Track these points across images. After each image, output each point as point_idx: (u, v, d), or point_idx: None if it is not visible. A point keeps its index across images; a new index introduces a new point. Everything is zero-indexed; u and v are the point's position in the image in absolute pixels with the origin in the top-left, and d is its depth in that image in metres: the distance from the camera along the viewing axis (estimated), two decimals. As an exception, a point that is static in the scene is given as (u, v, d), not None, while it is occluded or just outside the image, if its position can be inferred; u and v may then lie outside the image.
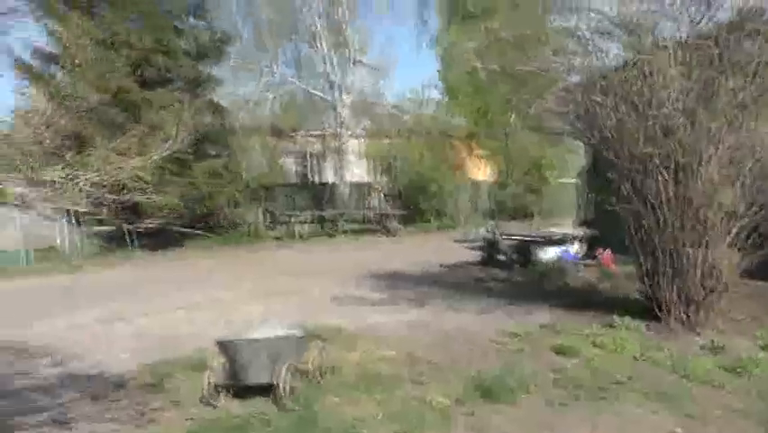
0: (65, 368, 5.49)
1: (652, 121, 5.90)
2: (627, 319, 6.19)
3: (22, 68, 13.79)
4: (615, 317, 6.28)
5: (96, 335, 6.80)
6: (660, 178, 6.06)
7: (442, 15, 23.35)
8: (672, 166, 6.00)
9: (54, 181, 2.61)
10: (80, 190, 2.65)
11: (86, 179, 2.64)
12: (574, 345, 5.43)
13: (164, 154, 3.08)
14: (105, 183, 2.74)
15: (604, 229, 10.84)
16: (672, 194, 6.03)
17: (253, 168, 19.09)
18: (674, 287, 6.16)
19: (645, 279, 6.47)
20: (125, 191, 2.94)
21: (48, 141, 2.80)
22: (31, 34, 16.41)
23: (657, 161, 6.03)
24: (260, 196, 18.63)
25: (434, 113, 23.07)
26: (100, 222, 12.94)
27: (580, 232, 11.83)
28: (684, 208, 5.98)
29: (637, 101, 6.13)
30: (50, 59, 14.20)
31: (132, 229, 13.90)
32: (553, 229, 13.30)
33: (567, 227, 13.72)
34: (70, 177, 2.61)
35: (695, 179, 5.90)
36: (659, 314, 6.21)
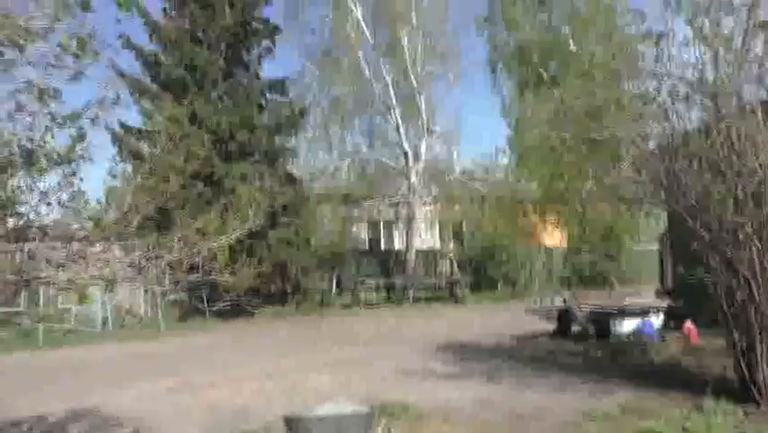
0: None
1: (741, 189, 5.60)
2: (719, 401, 5.69)
3: (115, 142, 14.90)
4: (705, 398, 5.80)
5: (167, 405, 6.92)
6: (753, 249, 5.70)
7: (512, 82, 23.60)
8: (766, 236, 5.64)
9: (137, 263, 2.75)
10: (162, 271, 2.77)
11: (166, 260, 2.77)
12: (660, 429, 5.03)
13: (241, 234, 3.21)
14: (183, 264, 2.86)
15: (689, 300, 10.22)
16: (766, 266, 5.64)
17: (325, 236, 19.48)
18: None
19: (740, 357, 5.99)
20: (202, 271, 3.06)
21: (135, 222, 2.98)
22: (123, 112, 17.74)
23: (749, 231, 5.68)
24: (330, 263, 18.90)
25: (504, 178, 22.97)
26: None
27: (663, 302, 11.21)
28: (781, 282, 5.57)
29: (724, 167, 5.86)
30: (140, 136, 15.32)
31: (206, 297, 14.37)
32: (632, 299, 12.67)
33: (648, 297, 13.05)
34: (152, 258, 2.75)
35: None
36: (757, 398, 5.69)
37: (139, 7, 2.69)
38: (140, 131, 15.42)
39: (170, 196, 3.24)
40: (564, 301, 11.66)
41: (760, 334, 5.71)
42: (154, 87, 15.84)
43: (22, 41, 2.66)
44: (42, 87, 2.87)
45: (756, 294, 5.68)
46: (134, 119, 15.82)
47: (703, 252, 6.23)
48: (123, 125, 15.43)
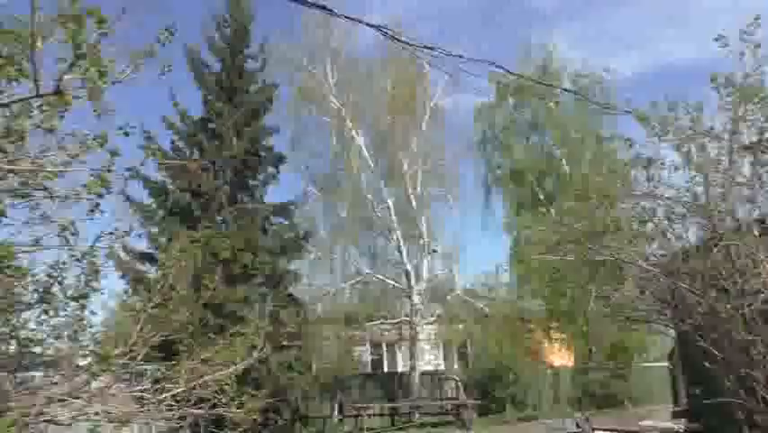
0: None
1: (748, 307, 5.60)
2: None
3: (121, 268, 15.02)
4: None
5: None
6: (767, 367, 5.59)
7: (509, 202, 24.24)
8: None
9: (141, 397, 2.71)
10: (165, 404, 2.72)
11: (171, 393, 2.72)
12: None
13: (248, 364, 3.18)
14: (189, 397, 2.81)
15: (707, 421, 9.82)
16: (783, 386, 5.50)
17: (326, 358, 19.07)
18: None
19: (765, 484, 5.67)
20: (207, 403, 2.99)
21: (140, 355, 2.97)
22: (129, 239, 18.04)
23: (762, 349, 5.60)
24: (332, 387, 18.32)
25: (507, 297, 22.89)
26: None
27: (680, 425, 10.74)
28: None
29: (727, 285, 5.89)
30: (145, 259, 15.47)
31: (202, 428, 13.77)
32: (648, 422, 12.17)
33: (663, 418, 12.54)
34: (156, 390, 2.70)
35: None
36: None
37: (159, 154, 2.84)
38: (144, 255, 15.60)
39: (179, 327, 3.24)
40: (578, 427, 11.18)
41: (785, 459, 5.45)
42: (161, 212, 16.22)
43: (46, 181, 2.80)
44: (65, 224, 2.98)
45: (778, 417, 5.49)
46: (138, 243, 16.08)
47: (716, 371, 6.09)
48: (127, 250, 15.62)
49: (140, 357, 2.96)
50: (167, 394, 2.77)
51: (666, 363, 17.47)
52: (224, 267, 15.57)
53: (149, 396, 2.76)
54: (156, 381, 2.90)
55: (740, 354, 5.81)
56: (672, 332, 12.30)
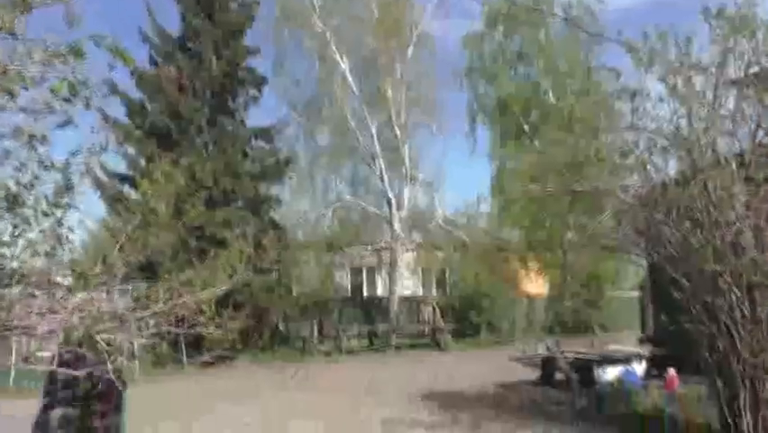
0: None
1: (719, 238, 5.73)
2: (705, 451, 5.70)
3: (98, 186, 14.88)
4: (690, 448, 5.80)
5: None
6: (732, 297, 5.79)
7: (495, 132, 24.12)
8: (745, 284, 5.74)
9: (120, 314, 2.73)
10: (142, 320, 2.75)
11: (150, 312, 2.74)
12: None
13: (229, 288, 3.20)
14: (168, 316, 2.83)
15: (671, 347, 10.29)
16: (746, 314, 5.72)
17: (307, 282, 19.39)
18: (757, 415, 5.67)
19: (723, 405, 6.00)
20: (187, 324, 3.03)
21: (120, 273, 2.97)
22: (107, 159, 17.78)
23: (728, 280, 5.79)
24: (312, 310, 18.74)
25: (487, 226, 23.22)
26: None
27: (645, 350, 11.24)
28: (761, 329, 5.64)
29: (701, 218, 6.01)
30: (124, 180, 15.31)
31: (182, 342, 14.08)
32: (615, 346, 12.71)
33: (630, 344, 13.09)
34: (137, 309, 2.72)
35: (769, 299, 5.62)
36: (742, 447, 5.69)
37: (127, 59, 2.70)
38: (123, 177, 15.42)
39: (157, 249, 3.23)
40: (548, 349, 11.64)
41: (743, 382, 5.74)
42: (139, 133, 15.93)
43: (14, 89, 2.69)
44: (32, 134, 2.90)
45: (738, 342, 5.75)
46: (118, 164, 15.86)
47: (684, 300, 6.31)
48: (107, 171, 15.43)
49: (119, 276, 2.97)
50: (147, 312, 2.79)
51: (637, 293, 18.12)
52: (205, 191, 15.51)
53: (128, 313, 2.79)
54: (136, 299, 2.92)
55: (707, 283, 6.00)
56: (644, 263, 12.68)
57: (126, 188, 15.64)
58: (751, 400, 5.71)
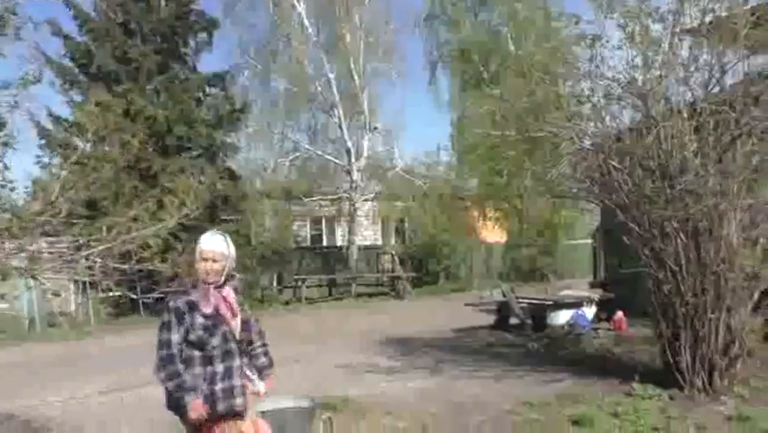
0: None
1: (669, 185, 5.88)
2: (647, 387, 5.98)
3: (43, 135, 14.27)
4: (633, 384, 6.07)
5: (100, 406, 6.66)
6: (679, 242, 5.99)
7: (455, 80, 23.99)
8: (691, 230, 5.94)
9: (63, 252, 2.62)
10: (87, 259, 2.65)
11: (96, 249, 2.64)
12: (593, 415, 5.22)
13: (178, 222, 3.11)
14: (114, 252, 2.75)
15: (620, 292, 10.68)
16: (691, 258, 5.94)
17: (265, 232, 19.24)
18: (696, 353, 5.98)
19: (666, 345, 6.30)
20: (134, 260, 2.95)
21: (63, 212, 2.84)
22: (52, 103, 17.01)
23: (676, 225, 5.98)
24: (271, 260, 18.68)
25: (446, 175, 23.34)
26: (110, 288, 12.98)
27: (595, 294, 11.65)
28: (704, 273, 5.88)
29: (653, 165, 6.14)
30: (70, 127, 14.66)
31: (138, 292, 13.87)
32: (567, 291, 13.12)
33: (582, 289, 13.53)
34: (80, 246, 2.62)
35: (715, 243, 5.83)
36: (680, 382, 6.00)
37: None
38: (69, 123, 14.76)
39: (102, 185, 3.09)
40: (503, 295, 11.93)
41: (684, 323, 6.01)
42: (84, 78, 15.20)
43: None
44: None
45: (682, 286, 5.99)
46: (63, 112, 15.18)
47: (634, 246, 6.51)
48: (51, 116, 14.76)
49: (62, 215, 2.84)
50: (92, 250, 2.69)
51: (590, 241, 18.64)
52: (158, 138, 15.03)
53: (73, 252, 2.68)
54: (80, 237, 2.81)
55: (656, 229, 6.19)
56: (598, 211, 12.99)
57: (73, 137, 14.99)
58: (691, 339, 5.99)
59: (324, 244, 23.19)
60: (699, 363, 5.96)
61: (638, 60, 6.50)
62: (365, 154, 21.41)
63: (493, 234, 23.27)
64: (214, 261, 3.09)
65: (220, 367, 3.01)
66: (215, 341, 3.00)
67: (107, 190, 10.61)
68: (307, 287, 18.16)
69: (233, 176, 17.05)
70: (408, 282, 19.30)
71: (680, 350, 6.05)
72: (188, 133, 15.42)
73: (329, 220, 22.82)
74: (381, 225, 23.88)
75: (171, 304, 3.03)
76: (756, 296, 6.02)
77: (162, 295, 3.17)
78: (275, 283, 18.92)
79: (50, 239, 3.06)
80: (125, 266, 2.88)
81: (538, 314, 10.89)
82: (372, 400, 6.11)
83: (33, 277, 2.65)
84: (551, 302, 11.23)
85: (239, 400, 3.03)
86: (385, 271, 20.69)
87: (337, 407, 5.59)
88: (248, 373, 3.19)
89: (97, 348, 11.13)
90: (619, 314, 10.03)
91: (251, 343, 3.33)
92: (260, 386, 3.27)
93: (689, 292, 5.95)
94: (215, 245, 3.10)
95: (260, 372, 3.37)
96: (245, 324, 3.19)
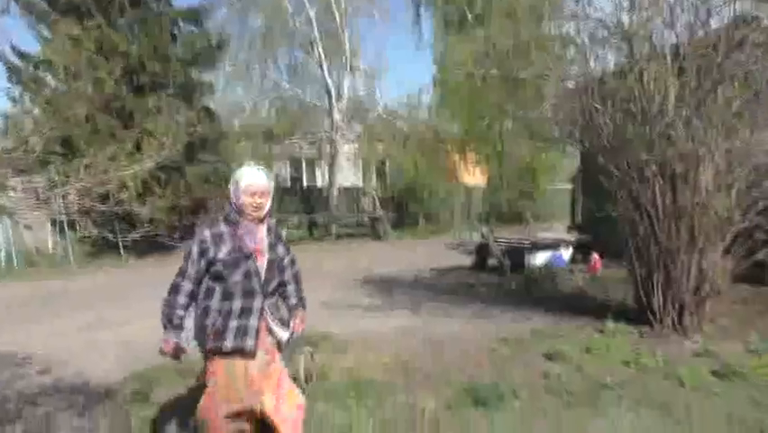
0: (47, 377, 5.39)
1: (649, 129, 5.90)
2: (619, 325, 6.19)
3: (13, 72, 13.77)
4: (607, 322, 6.28)
5: (81, 342, 6.71)
6: (656, 185, 6.07)
7: (438, 21, 23.40)
8: (669, 174, 6.01)
9: (38, 190, 2.56)
10: (64, 198, 2.60)
11: (72, 188, 2.59)
12: (566, 350, 5.41)
13: (156, 163, 3.05)
14: (91, 192, 2.70)
15: (596, 234, 10.89)
16: (667, 202, 6.04)
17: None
18: (667, 293, 6.17)
19: (639, 285, 6.48)
20: (113, 200, 2.90)
21: (37, 149, 2.76)
22: (22, 40, 16.31)
23: (654, 169, 6.04)
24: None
25: (428, 118, 23.15)
26: (87, 229, 12.86)
27: (573, 237, 11.85)
28: (679, 216, 5.99)
29: (635, 109, 6.14)
30: (41, 64, 14.12)
31: (117, 232, 13.80)
32: (545, 234, 13.33)
33: (560, 232, 13.76)
34: (56, 185, 2.56)
35: (691, 187, 5.91)
36: (651, 320, 6.21)
37: None
38: (38, 59, 14.19)
39: (76, 123, 3.00)
40: (482, 237, 12.09)
41: (658, 264, 6.17)
42: (54, 13, 14.52)
43: None
44: None
45: (656, 227, 6.11)
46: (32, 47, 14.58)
47: (612, 189, 6.59)
48: (20, 53, 14.18)
49: (37, 152, 2.77)
50: (69, 188, 2.64)
51: (570, 185, 18.82)
52: (132, 76, 14.58)
53: (47, 190, 2.63)
54: (56, 175, 2.74)
55: (635, 172, 6.25)
56: (578, 155, 13.05)
57: (44, 75, 14.45)
58: (663, 279, 6.17)
59: (305, 185, 23.08)
60: (671, 303, 6.16)
61: (624, 2, 6.41)
62: (346, 95, 21.06)
63: (473, 177, 23.31)
64: (262, 195, 3.03)
65: (238, 304, 2.95)
66: (237, 277, 2.94)
67: (82, 129, 10.29)
68: (287, 228, 18.17)
69: (210, 116, 16.69)
70: (388, 224, 19.42)
71: (652, 290, 6.24)
72: (163, 70, 14.95)
73: (309, 162, 22.64)
74: (362, 167, 23.77)
75: (198, 235, 2.99)
76: (728, 239, 6.17)
77: (142, 235, 3.14)
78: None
79: (24, 177, 2.98)
80: (103, 207, 2.83)
81: (516, 255, 11.08)
82: (353, 336, 6.24)
83: (8, 214, 2.59)
84: (529, 244, 11.42)
85: (250, 342, 2.95)
86: (365, 212, 20.76)
87: (318, 343, 5.71)
88: (270, 321, 3.09)
89: (76, 287, 11.12)
90: (595, 256, 10.24)
91: (283, 284, 3.28)
92: (284, 335, 3.18)
93: (663, 234, 6.08)
94: (262, 180, 3.04)
95: (291, 311, 3.34)
96: (272, 264, 3.10)
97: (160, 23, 15.37)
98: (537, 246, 11.26)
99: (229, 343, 2.92)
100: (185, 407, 3.89)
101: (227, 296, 2.94)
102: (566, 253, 11.15)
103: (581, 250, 11.19)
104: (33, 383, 5.19)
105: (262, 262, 3.04)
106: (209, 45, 16.53)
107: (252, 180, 3.01)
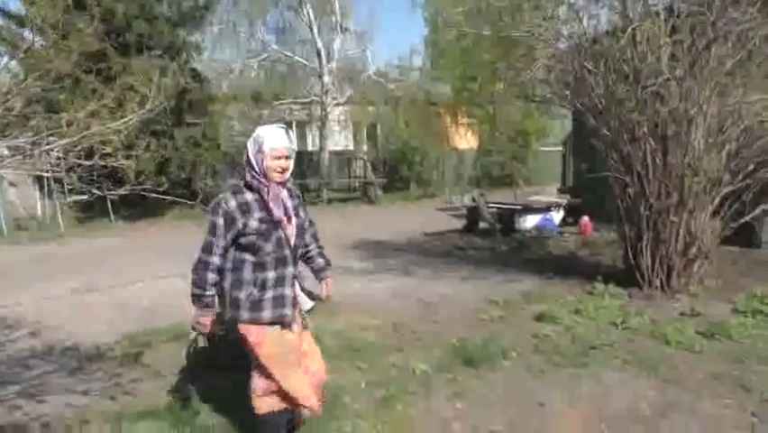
0: (39, 340, 5.40)
1: (642, 89, 5.84)
2: (608, 287, 6.25)
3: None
4: (596, 284, 6.33)
5: (72, 306, 6.71)
6: (647, 146, 6.05)
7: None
8: (660, 134, 5.99)
9: (20, 147, 2.50)
10: (48, 154, 2.54)
11: (56, 144, 2.53)
12: (555, 312, 5.46)
13: (141, 117, 2.97)
14: (75, 148, 2.63)
15: (587, 197, 10.91)
16: (658, 162, 6.04)
17: (235, 136, 18.83)
18: (656, 254, 6.21)
19: (628, 247, 6.52)
20: (97, 156, 2.83)
21: (18, 107, 2.68)
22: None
23: (645, 130, 6.01)
24: (241, 165, 18.42)
25: (419, 80, 22.88)
26: (78, 192, 12.73)
27: (564, 200, 11.88)
28: (669, 177, 5.99)
29: (627, 69, 6.07)
30: (21, 21, 13.74)
31: (109, 199, 13.70)
32: (536, 197, 13.36)
33: (550, 195, 13.79)
34: (38, 142, 2.51)
35: (682, 148, 5.90)
36: (640, 282, 6.27)
37: None
38: (17, 17, 13.81)
39: (57, 81, 2.92)
40: (473, 200, 12.09)
41: (647, 225, 6.20)
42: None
43: None
44: None
45: (647, 188, 6.12)
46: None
47: (603, 150, 6.57)
48: (2, 11, 13.80)
49: (17, 109, 2.69)
50: (53, 145, 2.58)
51: (561, 148, 18.79)
52: (117, 35, 14.24)
53: (30, 147, 2.57)
54: (38, 131, 2.68)
55: (626, 133, 6.23)
56: (569, 117, 12.98)
57: (24, 32, 14.09)
58: (653, 241, 6.21)
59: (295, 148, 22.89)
60: (659, 264, 6.22)
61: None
62: (336, 57, 20.71)
63: (465, 140, 23.22)
64: (287, 157, 2.82)
65: (272, 274, 2.79)
66: (269, 247, 2.76)
67: (64, 90, 10.07)
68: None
69: (197, 77, 16.37)
70: (380, 188, 19.38)
71: (641, 251, 6.29)
72: (149, 30, 14.60)
73: (300, 125, 22.37)
74: (353, 130, 23.57)
75: (223, 206, 2.75)
76: (717, 200, 6.20)
77: (129, 193, 3.09)
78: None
79: (5, 137, 2.91)
80: (89, 162, 2.76)
81: (507, 218, 11.11)
82: (346, 299, 6.26)
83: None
84: (519, 207, 11.44)
85: (287, 311, 2.85)
86: (357, 176, 20.67)
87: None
88: (297, 290, 2.97)
89: (66, 251, 11.07)
90: (585, 218, 10.29)
91: (306, 246, 3.15)
92: (306, 305, 3.09)
93: (653, 196, 6.10)
94: (286, 140, 2.82)
95: (317, 274, 3.22)
96: (300, 228, 2.93)
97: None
98: (528, 209, 11.28)
99: (268, 313, 2.80)
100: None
101: (260, 266, 2.78)
102: (557, 216, 11.19)
103: (572, 213, 11.24)
104: (25, 346, 5.20)
105: (292, 229, 2.88)
106: (196, 5, 16.14)
107: (277, 142, 2.78)
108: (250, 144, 2.84)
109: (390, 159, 21.29)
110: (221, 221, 2.74)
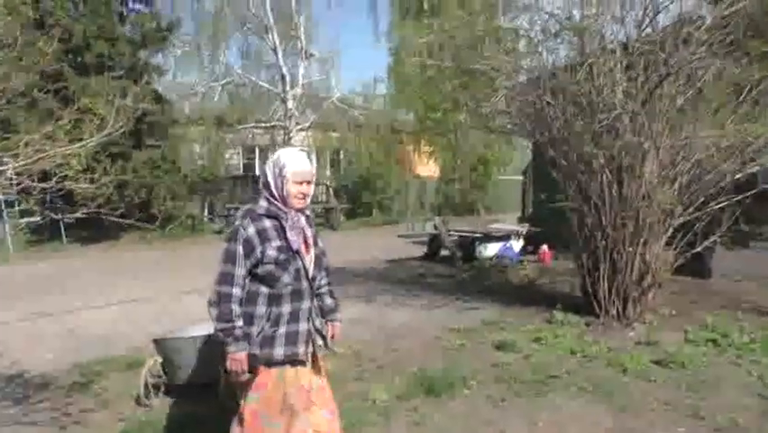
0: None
1: (598, 122, 6.02)
2: (567, 315, 6.33)
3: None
4: (554, 312, 6.41)
5: (19, 332, 6.44)
6: (604, 178, 6.22)
7: (394, 9, 23.37)
8: (616, 167, 6.17)
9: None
10: (5, 178, 2.45)
11: (8, 167, 2.45)
12: (515, 340, 5.50)
13: (99, 140, 2.90)
14: (32, 171, 2.54)
15: (546, 226, 11.10)
16: (614, 194, 6.20)
17: (196, 160, 18.61)
18: (612, 284, 6.34)
19: (586, 276, 6.64)
20: (53, 180, 2.74)
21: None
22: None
23: (602, 162, 6.19)
24: (202, 188, 18.18)
25: (382, 107, 23.12)
26: (30, 213, 12.30)
27: (523, 228, 12.07)
28: (625, 208, 6.16)
29: (585, 102, 6.26)
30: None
31: (63, 221, 13.30)
32: (496, 225, 13.53)
33: (511, 224, 13.99)
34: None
35: (636, 180, 6.08)
36: (597, 310, 6.38)
37: None
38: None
39: (12, 100, 2.83)
40: (434, 227, 12.17)
41: (604, 255, 6.34)
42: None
43: None
44: None
45: (603, 219, 6.27)
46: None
47: (561, 181, 6.73)
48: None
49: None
50: (6, 167, 2.49)
51: (521, 178, 19.15)
52: (76, 55, 14.02)
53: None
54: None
55: (583, 165, 6.40)
56: (529, 147, 13.26)
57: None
58: (609, 270, 6.35)
59: (257, 173, 22.70)
60: (615, 293, 6.34)
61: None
62: (300, 82, 20.78)
63: (427, 168, 23.48)
64: (309, 182, 2.65)
65: (287, 308, 2.58)
66: (287, 278, 2.55)
67: (19, 109, 9.80)
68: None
69: (159, 99, 16.18)
70: (342, 214, 19.35)
71: (598, 280, 6.41)
72: (110, 50, 14.42)
73: (263, 149, 22.24)
74: (316, 156, 23.55)
75: (242, 232, 2.52)
76: (670, 231, 6.39)
77: (84, 216, 2.99)
78: (206, 212, 18.51)
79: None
80: (46, 184, 2.66)
81: (468, 246, 11.21)
82: (304, 327, 6.15)
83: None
84: (480, 235, 11.57)
85: (302, 349, 2.61)
86: (319, 202, 20.61)
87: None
88: (317, 323, 2.75)
89: (17, 275, 10.64)
90: (544, 247, 10.47)
91: (319, 280, 2.85)
92: (319, 342, 2.79)
93: (609, 226, 6.25)
94: (308, 164, 2.65)
95: (325, 315, 2.92)
96: (318, 259, 2.73)
97: (106, 2, 14.80)
98: (488, 237, 11.41)
99: (280, 350, 2.57)
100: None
101: (274, 299, 2.57)
102: (517, 245, 11.35)
103: (532, 241, 11.41)
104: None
105: (309, 258, 2.69)
106: (158, 27, 16.04)
107: (300, 166, 2.61)
108: (269, 168, 2.68)
109: (353, 185, 21.33)
110: (240, 249, 2.52)
